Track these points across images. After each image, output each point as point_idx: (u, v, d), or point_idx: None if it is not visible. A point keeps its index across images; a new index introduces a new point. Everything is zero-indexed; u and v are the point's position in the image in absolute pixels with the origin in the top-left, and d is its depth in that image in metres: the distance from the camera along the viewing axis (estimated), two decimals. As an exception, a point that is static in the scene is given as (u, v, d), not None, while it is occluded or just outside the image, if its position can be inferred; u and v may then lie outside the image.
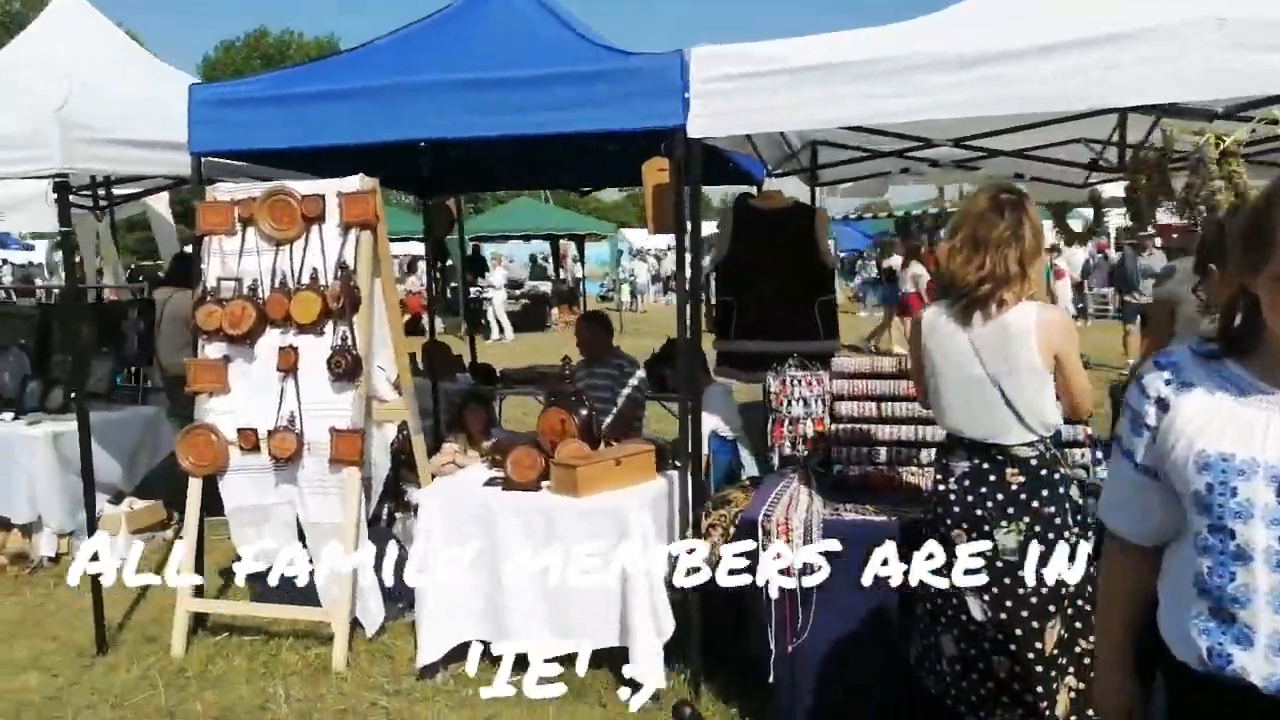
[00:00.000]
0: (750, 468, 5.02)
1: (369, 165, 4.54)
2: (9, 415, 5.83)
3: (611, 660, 3.99)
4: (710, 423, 4.86)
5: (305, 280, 4.48)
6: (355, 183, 4.47)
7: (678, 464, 4.31)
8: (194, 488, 4.57)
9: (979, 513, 2.82)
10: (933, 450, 3.74)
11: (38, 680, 4.18)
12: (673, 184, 4.14)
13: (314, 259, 4.50)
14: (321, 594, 4.49)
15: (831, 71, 3.39)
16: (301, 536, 4.55)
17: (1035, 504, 2.76)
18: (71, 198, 4.42)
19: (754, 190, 6.02)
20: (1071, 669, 2.85)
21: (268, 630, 4.62)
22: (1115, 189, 6.38)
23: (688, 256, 3.93)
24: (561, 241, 24.11)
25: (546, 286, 23.05)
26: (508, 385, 7.06)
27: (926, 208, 29.19)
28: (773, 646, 3.31)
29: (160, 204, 8.19)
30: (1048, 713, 2.79)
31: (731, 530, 4.02)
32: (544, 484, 4.06)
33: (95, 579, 4.47)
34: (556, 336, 18.23)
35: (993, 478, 2.81)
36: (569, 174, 6.76)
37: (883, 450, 3.73)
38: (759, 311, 5.16)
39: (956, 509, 2.86)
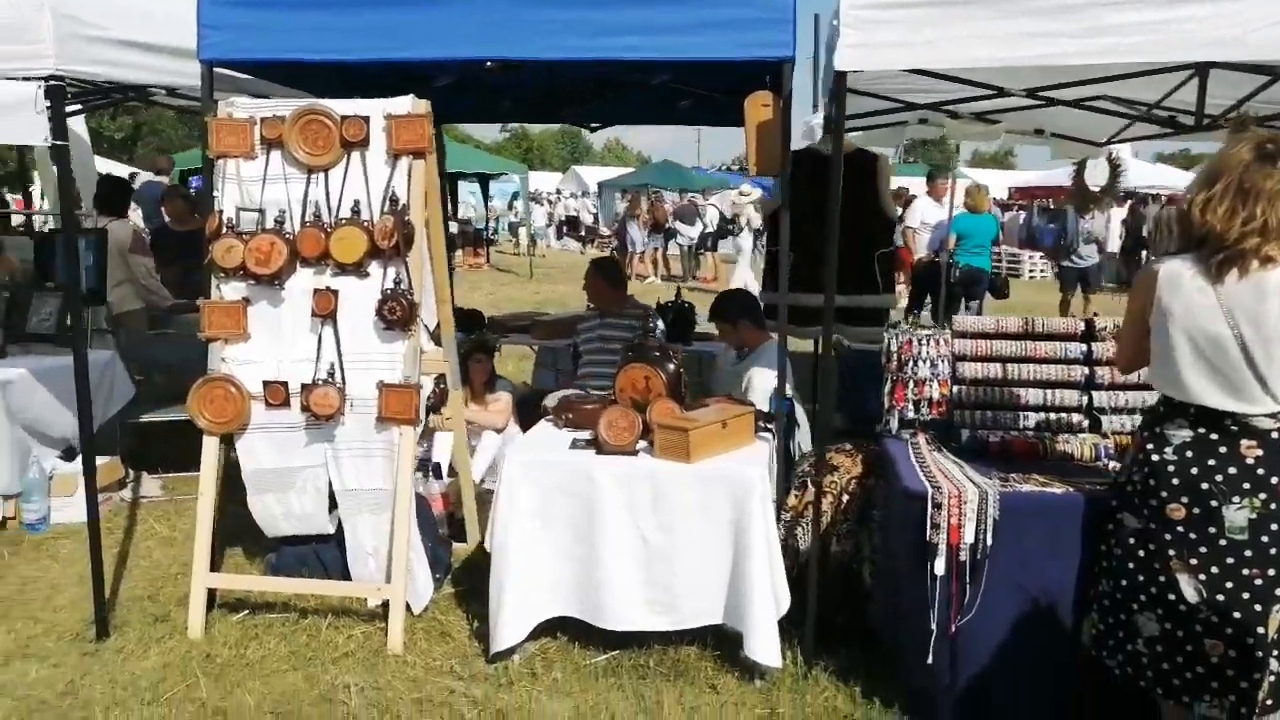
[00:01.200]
0: (805, 427, 4.77)
1: (367, 88, 3.99)
2: (-60, 360, 5.01)
3: (705, 639, 3.71)
4: (770, 380, 4.57)
5: (344, 213, 3.92)
6: (405, 104, 3.92)
7: (767, 426, 4.04)
8: (210, 448, 3.98)
9: (1205, 486, 2.63)
10: (1078, 416, 3.57)
11: (38, 672, 3.57)
12: (778, 121, 3.79)
13: (355, 190, 3.94)
14: (353, 567, 4.02)
15: (1007, 4, 3.09)
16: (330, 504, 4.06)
17: (1275, 479, 2.59)
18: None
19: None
20: (1276, 651, 2.71)
21: (289, 607, 4.10)
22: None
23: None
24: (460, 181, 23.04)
25: (453, 227, 22.07)
26: (501, 333, 6.57)
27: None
28: (933, 626, 3.08)
29: (77, 123, 7.24)
30: (1261, 699, 2.65)
31: (844, 498, 3.78)
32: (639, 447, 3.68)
33: (95, 547, 3.86)
34: (461, 279, 17.38)
35: (1223, 449, 2.63)
36: (584, 108, 6.22)
37: (1024, 415, 3.52)
38: (816, 263, 4.85)
39: (1175, 480, 2.67)
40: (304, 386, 3.90)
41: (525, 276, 19.05)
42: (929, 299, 9.85)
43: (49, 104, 3.49)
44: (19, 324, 5.30)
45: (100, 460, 5.34)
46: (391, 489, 3.92)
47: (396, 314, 3.82)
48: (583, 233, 29.10)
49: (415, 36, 3.77)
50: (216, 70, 4.00)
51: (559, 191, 33.45)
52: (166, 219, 7.92)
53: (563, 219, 29.39)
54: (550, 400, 5.52)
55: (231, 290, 3.98)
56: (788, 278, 3.95)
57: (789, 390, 4.67)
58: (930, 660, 3.11)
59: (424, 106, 3.92)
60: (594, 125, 6.70)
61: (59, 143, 3.53)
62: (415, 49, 3.84)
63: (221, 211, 3.95)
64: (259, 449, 4.00)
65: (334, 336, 3.91)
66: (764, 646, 3.45)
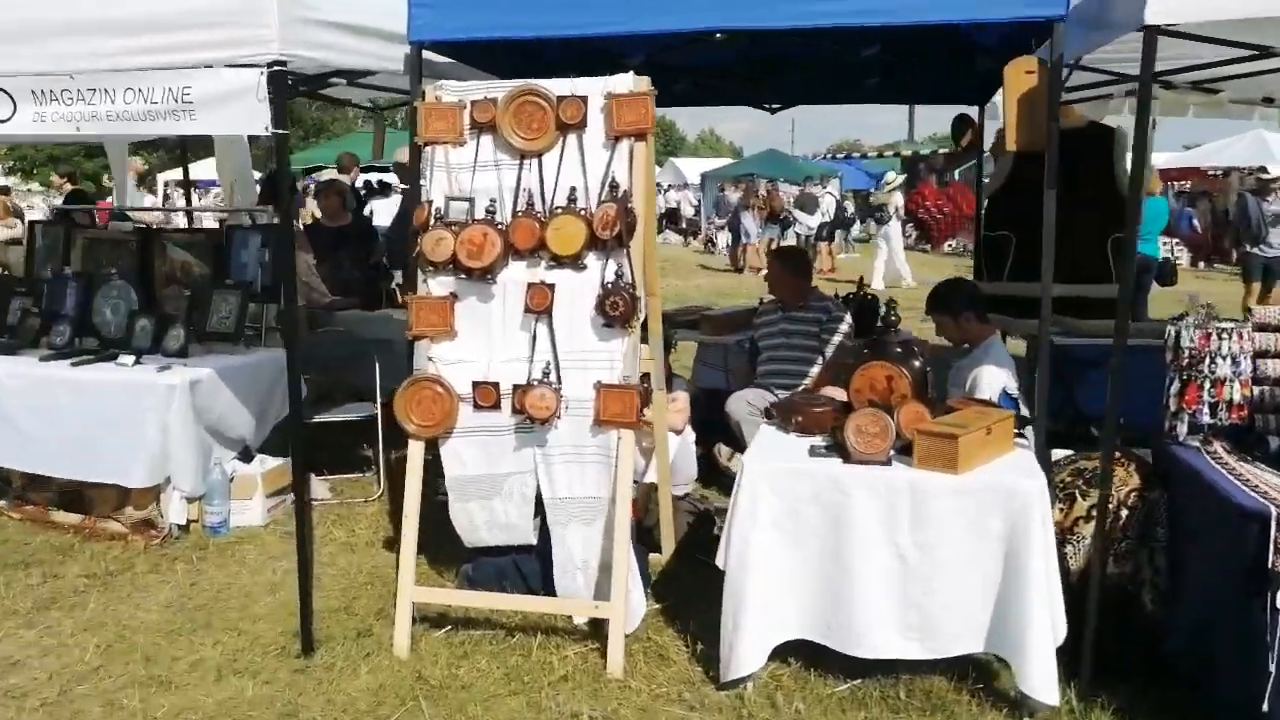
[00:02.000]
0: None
1: (542, 70, 3.74)
2: (128, 359, 4.92)
3: (957, 669, 3.33)
4: (999, 378, 4.17)
5: (560, 201, 3.66)
6: (627, 82, 3.63)
7: (1022, 431, 3.63)
8: (415, 454, 3.76)
9: None
10: None
11: (254, 690, 3.39)
12: (1043, 90, 3.39)
13: (571, 176, 3.67)
14: (559, 581, 3.75)
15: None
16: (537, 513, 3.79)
17: None
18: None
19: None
20: None
21: (492, 623, 3.85)
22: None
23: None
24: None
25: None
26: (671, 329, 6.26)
27: (937, 148, 28.51)
28: (1272, 668, 2.64)
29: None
30: None
31: (1122, 513, 3.35)
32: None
33: (304, 556, 3.67)
34: None
35: None
36: (767, 86, 5.86)
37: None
38: (1039, 248, 4.43)
39: None
40: (516, 387, 3.65)
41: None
42: None
43: (272, 91, 3.30)
44: (199, 322, 5.19)
45: (274, 462, 5.26)
46: (607, 497, 3.64)
47: (619, 309, 3.53)
48: (683, 225, 28.69)
49: (645, 7, 3.50)
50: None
51: (657, 184, 33.15)
52: (319, 215, 7.86)
53: (662, 212, 29.07)
54: (736, 403, 5.20)
55: (439, 285, 3.76)
56: (1051, 267, 3.51)
57: (1014, 389, 4.27)
58: (1265, 708, 2.68)
59: (644, 84, 3.63)
60: (774, 106, 6.35)
61: (280, 131, 3.34)
62: (644, 21, 3.59)
63: (431, 201, 3.73)
64: (465, 454, 3.77)
65: (549, 334, 3.64)
66: (1040, 680, 3.05)
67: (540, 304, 3.62)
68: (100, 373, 4.87)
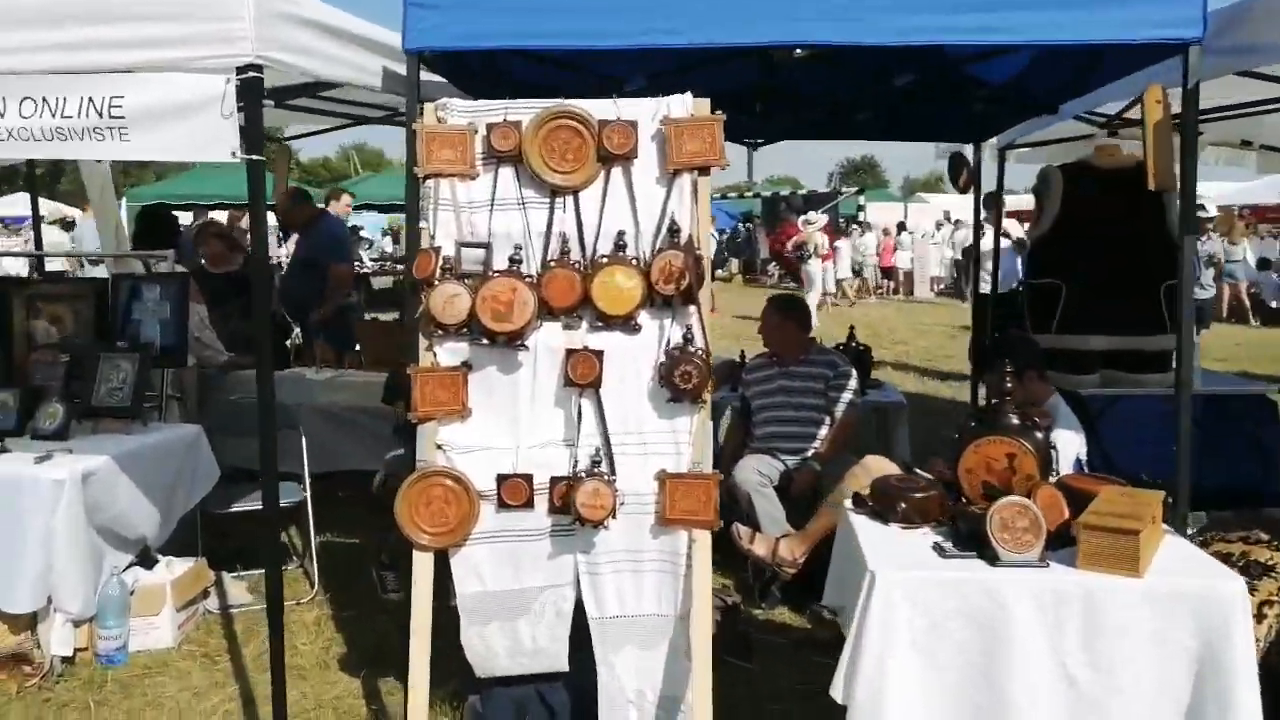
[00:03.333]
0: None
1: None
2: (-3, 448, 3.84)
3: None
4: (1073, 445, 3.73)
5: (604, 248, 2.95)
6: (686, 104, 2.98)
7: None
8: (423, 571, 2.94)
9: None
10: None
11: None
12: (1168, 123, 2.96)
13: (617, 217, 2.98)
14: (606, 717, 3.01)
15: None
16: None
17: None
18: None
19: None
20: None
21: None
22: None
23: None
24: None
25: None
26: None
27: (777, 190, 28.99)
28: None
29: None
30: None
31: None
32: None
33: (278, 676, 2.79)
34: None
35: None
36: (795, 118, 5.24)
37: None
38: (1093, 298, 4.04)
39: None
40: (556, 481, 2.90)
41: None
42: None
43: (242, 104, 2.46)
44: (83, 395, 4.15)
45: (182, 564, 4.29)
46: (673, 615, 2.93)
47: (692, 381, 2.84)
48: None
49: (716, 16, 2.86)
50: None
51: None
52: (202, 261, 6.77)
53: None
54: (745, 473, 4.58)
55: (448, 353, 2.97)
56: (1189, 316, 3.06)
57: (1084, 456, 3.83)
58: None
59: (705, 108, 2.98)
60: (757, 141, 5.69)
61: (253, 158, 2.50)
62: (696, 32, 2.94)
63: (438, 249, 2.95)
64: (486, 566, 2.98)
65: (597, 411, 2.92)
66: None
67: (586, 375, 2.89)
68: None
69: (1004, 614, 2.61)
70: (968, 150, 5.26)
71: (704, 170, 2.96)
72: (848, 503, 3.27)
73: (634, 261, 2.93)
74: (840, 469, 4.44)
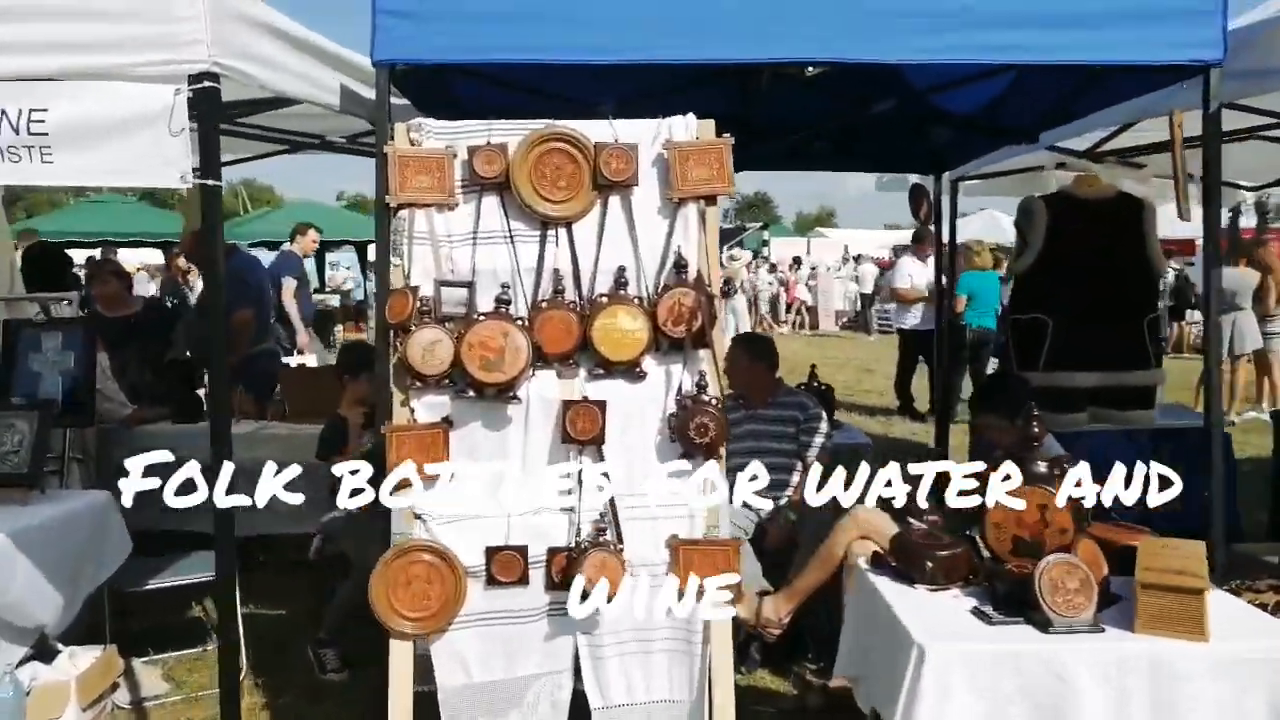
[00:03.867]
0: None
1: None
2: None
3: None
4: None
5: (602, 285, 2.63)
6: (690, 126, 2.70)
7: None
8: (402, 660, 2.53)
9: None
10: None
11: None
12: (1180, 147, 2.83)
13: (616, 251, 2.66)
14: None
15: None
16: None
17: None
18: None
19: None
20: None
21: None
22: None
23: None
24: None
25: (335, 300, 20.05)
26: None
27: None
28: None
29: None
30: None
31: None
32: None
33: None
34: None
35: None
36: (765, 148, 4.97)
37: None
38: (1079, 332, 3.90)
39: None
40: (554, 552, 2.54)
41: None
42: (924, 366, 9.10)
43: (196, 118, 2.06)
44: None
45: (87, 655, 3.72)
46: (688, 701, 2.60)
47: (709, 434, 2.53)
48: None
49: (729, 32, 2.60)
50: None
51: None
52: (95, 304, 6.15)
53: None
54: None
55: (426, 408, 2.59)
56: (1216, 345, 2.91)
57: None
58: None
59: (709, 129, 2.71)
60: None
61: (211, 183, 2.10)
62: (727, 47, 2.69)
63: (414, 288, 2.57)
64: (471, 653, 2.59)
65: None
66: None
67: (587, 430, 2.55)
68: None
69: (1066, 689, 2.35)
70: (928, 182, 5.15)
71: (710, 200, 2.67)
72: (862, 561, 3.00)
73: (637, 301, 2.61)
74: (817, 517, 4.17)
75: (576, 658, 2.60)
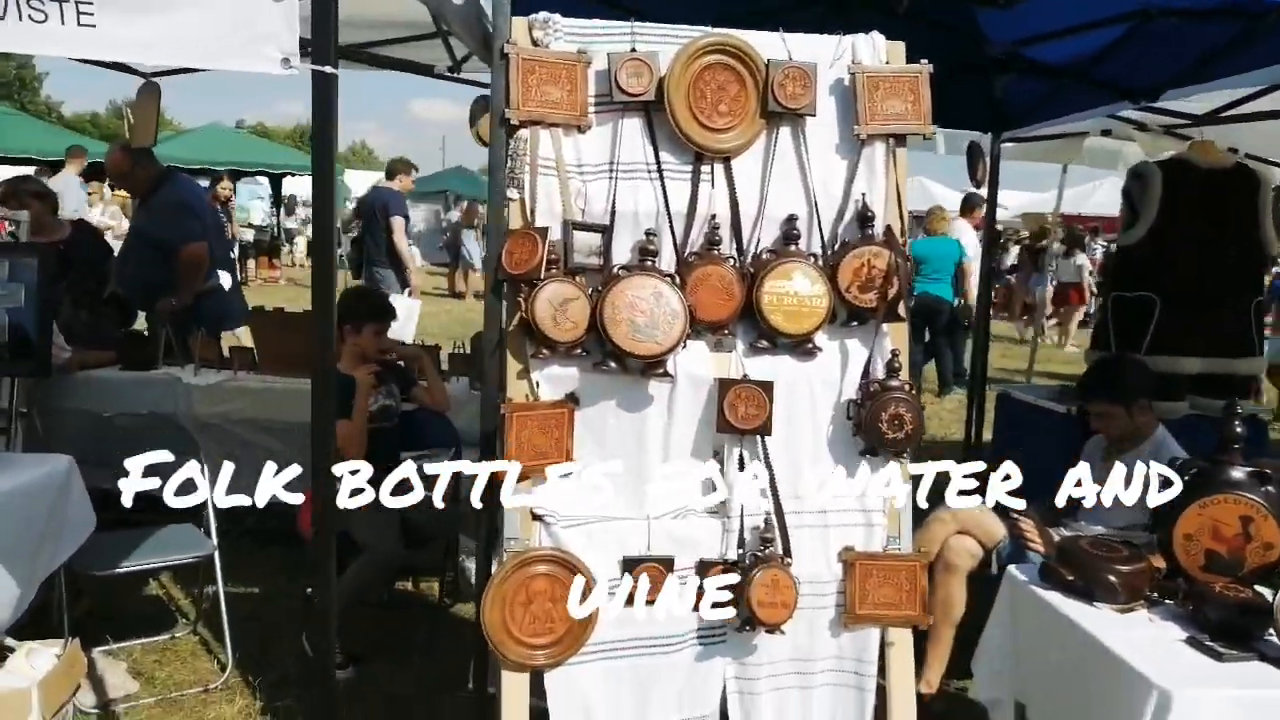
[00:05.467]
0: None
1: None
2: None
3: None
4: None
5: (766, 238, 2.12)
6: (876, 47, 2.19)
7: None
8: (516, 694, 2.01)
9: None
10: None
11: None
12: None
13: (786, 196, 2.15)
14: None
15: None
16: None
17: None
18: None
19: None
20: None
21: None
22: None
23: None
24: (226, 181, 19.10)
25: (249, 234, 18.69)
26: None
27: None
28: None
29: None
30: None
31: None
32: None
33: None
34: (261, 292, 14.27)
35: None
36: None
37: None
38: (1186, 313, 3.55)
39: None
40: (706, 565, 2.05)
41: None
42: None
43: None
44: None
45: (47, 653, 3.10)
46: (853, 742, 2.15)
47: (905, 428, 2.06)
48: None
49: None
50: None
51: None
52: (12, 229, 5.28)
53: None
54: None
55: (550, 381, 2.05)
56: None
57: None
58: None
59: (900, 52, 2.21)
60: None
61: (324, 69, 1.50)
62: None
63: (544, 232, 2.01)
64: (598, 694, 2.08)
65: (766, 467, 2.08)
66: None
67: (752, 418, 2.04)
68: None
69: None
70: (984, 141, 4.73)
71: (901, 139, 2.18)
72: (1020, 571, 2.58)
73: (812, 260, 2.11)
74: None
75: (724, 694, 2.13)
